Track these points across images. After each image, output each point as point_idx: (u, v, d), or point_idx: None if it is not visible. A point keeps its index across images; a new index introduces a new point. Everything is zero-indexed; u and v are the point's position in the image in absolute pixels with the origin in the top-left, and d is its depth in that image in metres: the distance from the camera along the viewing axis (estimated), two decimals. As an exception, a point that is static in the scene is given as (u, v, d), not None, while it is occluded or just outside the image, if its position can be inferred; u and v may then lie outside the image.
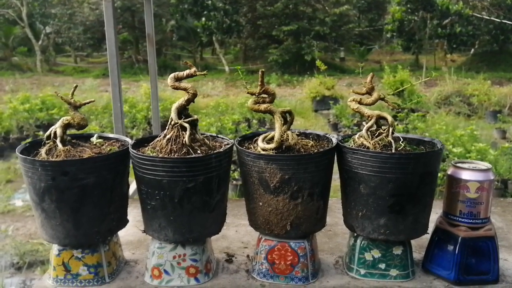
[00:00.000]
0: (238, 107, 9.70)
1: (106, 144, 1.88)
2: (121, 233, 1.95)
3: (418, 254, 1.96)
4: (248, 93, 1.78)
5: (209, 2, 16.10)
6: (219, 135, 1.93)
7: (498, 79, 14.66)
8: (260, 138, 1.80)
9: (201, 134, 1.84)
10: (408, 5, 15.37)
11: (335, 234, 2.21)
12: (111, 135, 1.96)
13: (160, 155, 1.66)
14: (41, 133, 8.10)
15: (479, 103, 10.53)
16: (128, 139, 1.88)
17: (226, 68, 17.33)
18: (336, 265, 1.93)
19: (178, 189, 1.62)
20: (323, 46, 16.72)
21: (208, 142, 1.79)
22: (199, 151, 1.69)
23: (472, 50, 18.30)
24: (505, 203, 2.70)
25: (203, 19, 16.19)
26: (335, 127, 9.01)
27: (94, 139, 1.90)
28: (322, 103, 10.91)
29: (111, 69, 2.51)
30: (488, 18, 16.04)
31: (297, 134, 1.88)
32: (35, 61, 19.01)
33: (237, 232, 2.24)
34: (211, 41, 18.52)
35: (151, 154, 1.66)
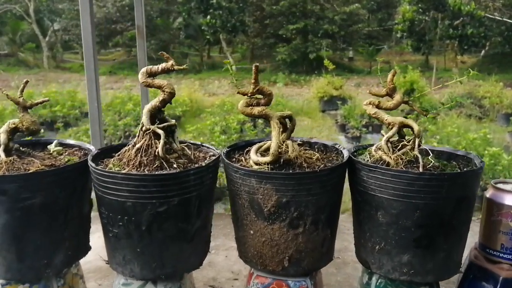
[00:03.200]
0: (244, 107, 9.37)
1: (66, 153, 1.54)
2: (89, 257, 1.60)
3: (445, 291, 1.61)
4: (238, 93, 1.43)
5: (214, 1, 15.80)
6: (204, 144, 1.58)
7: (510, 81, 14.24)
8: (253, 148, 1.45)
9: (182, 143, 1.49)
10: (419, 5, 14.95)
11: (344, 262, 1.86)
12: (73, 142, 1.62)
13: (125, 170, 1.31)
14: (42, 130, 7.81)
15: (490, 105, 10.14)
16: (92, 148, 1.54)
17: (233, 67, 17.02)
18: (345, 305, 1.58)
19: (146, 213, 1.27)
20: (331, 45, 16.35)
21: (189, 153, 1.45)
22: (175, 165, 1.34)
23: (483, 51, 17.87)
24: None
25: (208, 17, 15.91)
26: (343, 128, 8.65)
27: (52, 147, 1.56)
28: (330, 103, 10.56)
29: (87, 62, 2.17)
30: (500, 19, 15.60)
31: (299, 144, 1.54)
32: (42, 58, 18.77)
33: (227, 258, 1.89)
34: (218, 40, 18.23)
35: (112, 169, 1.31)
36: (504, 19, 15.59)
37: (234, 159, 1.47)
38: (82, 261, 1.61)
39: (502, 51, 17.29)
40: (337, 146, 1.55)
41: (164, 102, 1.39)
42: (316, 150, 1.57)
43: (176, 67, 1.39)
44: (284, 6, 16.24)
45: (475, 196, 1.35)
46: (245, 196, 1.34)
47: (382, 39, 20.73)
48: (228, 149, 1.52)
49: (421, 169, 1.30)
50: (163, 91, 1.39)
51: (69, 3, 18.89)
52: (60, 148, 1.56)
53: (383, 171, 1.29)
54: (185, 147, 1.46)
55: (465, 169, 1.37)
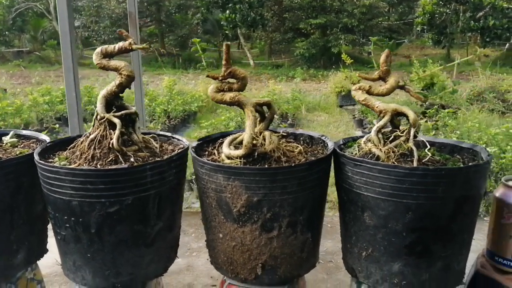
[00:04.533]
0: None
1: (22, 145, 1.39)
2: (56, 258, 1.44)
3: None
4: (207, 76, 1.26)
5: (234, -6, 15.64)
6: (175, 136, 1.41)
7: (536, 74, 13.78)
8: (227, 141, 1.28)
9: (147, 134, 1.33)
10: (440, -3, 14.56)
11: (337, 267, 1.68)
12: (30, 133, 1.47)
13: (75, 164, 1.15)
14: (57, 126, 7.77)
15: (514, 99, 9.80)
16: (47, 139, 1.38)
17: (251, 62, 16.85)
18: (334, 317, 1.40)
19: (95, 214, 1.11)
20: (351, 40, 16.07)
21: (155, 146, 1.29)
22: (132, 159, 1.18)
23: (507, 44, 17.35)
24: None
25: (227, 12, 15.78)
26: (360, 123, 8.42)
27: (7, 139, 1.41)
28: (348, 98, 10.34)
29: (64, 50, 2.02)
30: (526, 10, 15.08)
31: (283, 135, 1.36)
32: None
33: (208, 262, 1.71)
34: (237, 35, 18.09)
35: (57, 162, 1.15)
36: (530, 10, 15.10)
37: (206, 153, 1.30)
38: (47, 263, 1.46)
39: (527, 43, 16.76)
40: (323, 138, 1.36)
41: (122, 87, 1.23)
42: (301, 142, 1.39)
43: (134, 47, 1.22)
44: (305, 0, 16.05)
45: (480, 195, 1.15)
46: (212, 194, 1.17)
47: (402, 33, 20.34)
48: (199, 142, 1.35)
49: (415, 164, 1.11)
50: (120, 73, 1.22)
51: (88, 0, 18.98)
52: (15, 140, 1.41)
53: (369, 165, 1.10)
54: (150, 139, 1.29)
55: (468, 164, 1.17)
